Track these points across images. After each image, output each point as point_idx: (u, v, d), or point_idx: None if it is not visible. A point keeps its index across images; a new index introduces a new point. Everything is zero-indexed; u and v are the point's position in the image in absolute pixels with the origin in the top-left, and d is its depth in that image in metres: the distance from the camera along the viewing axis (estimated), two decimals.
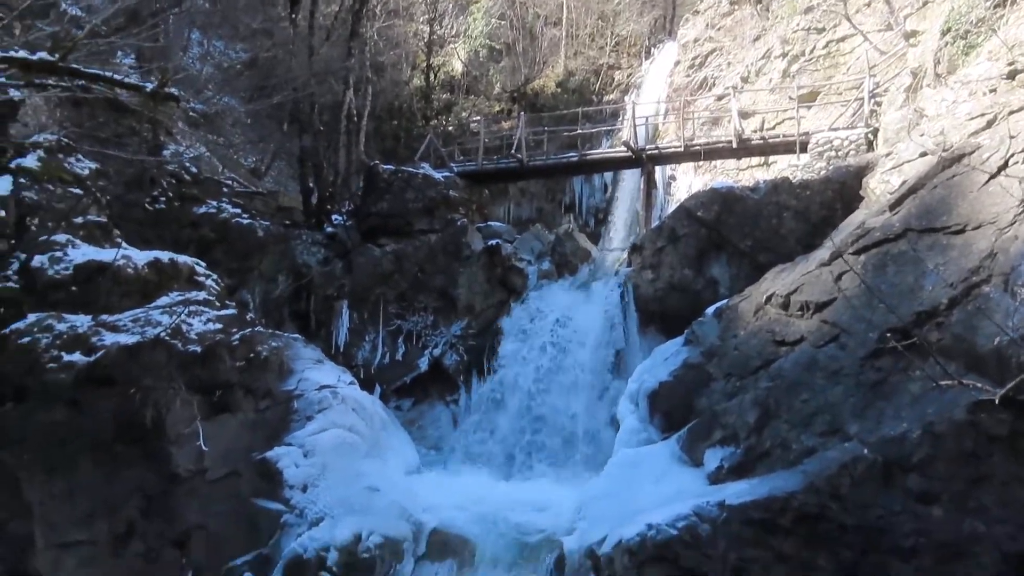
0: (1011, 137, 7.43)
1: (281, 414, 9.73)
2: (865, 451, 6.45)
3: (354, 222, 15.07)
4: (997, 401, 4.88)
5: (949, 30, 10.72)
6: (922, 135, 9.69)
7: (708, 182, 17.84)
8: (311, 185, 16.25)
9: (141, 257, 10.61)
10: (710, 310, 10.11)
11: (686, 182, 20.44)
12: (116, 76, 13.75)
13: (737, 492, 6.91)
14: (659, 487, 7.83)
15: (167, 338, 9.43)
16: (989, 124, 8.46)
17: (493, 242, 13.31)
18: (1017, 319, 6.16)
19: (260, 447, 9.32)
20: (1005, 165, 7.29)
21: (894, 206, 8.43)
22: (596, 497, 8.32)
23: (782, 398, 7.69)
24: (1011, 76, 8.61)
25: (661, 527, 6.79)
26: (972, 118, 8.71)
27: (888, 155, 10.42)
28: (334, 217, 15.86)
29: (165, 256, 10.88)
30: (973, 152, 7.87)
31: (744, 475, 7.41)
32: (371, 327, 13.10)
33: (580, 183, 23.30)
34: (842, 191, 10.70)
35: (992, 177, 7.30)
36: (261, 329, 10.75)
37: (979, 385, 3.98)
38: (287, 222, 15.86)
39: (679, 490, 7.54)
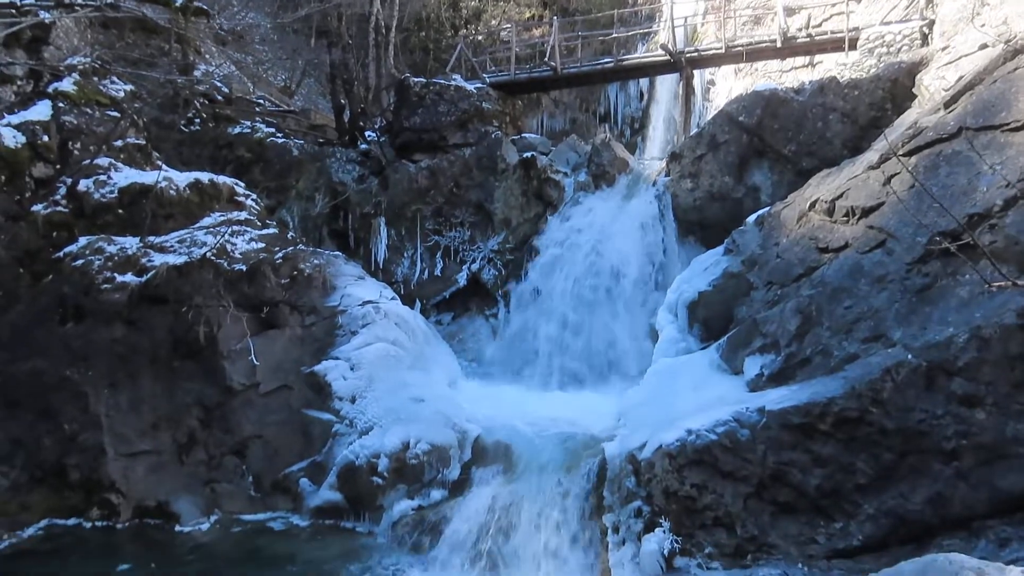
0: None
1: (327, 329, 10.00)
2: (909, 356, 6.41)
3: (387, 138, 14.94)
4: None
5: None
6: (983, 25, 9.09)
7: (749, 86, 17.14)
8: (343, 101, 16.07)
9: (182, 178, 10.75)
10: (751, 218, 9.93)
11: (725, 87, 19.65)
12: None
13: (777, 398, 6.96)
14: (698, 394, 7.93)
15: (213, 257, 9.66)
16: None
17: (528, 154, 13.09)
18: None
19: (308, 361, 9.63)
20: None
21: (949, 104, 8.03)
22: (636, 404, 8.48)
23: (824, 305, 7.62)
24: None
25: (701, 432, 6.92)
26: None
27: (944, 49, 9.83)
28: (367, 134, 15.74)
29: (205, 177, 11.01)
30: None
31: (784, 382, 7.45)
32: (409, 243, 13.19)
33: (615, 91, 22.57)
34: (893, 90, 10.19)
35: None
36: (303, 247, 10.92)
37: None
38: (321, 140, 15.82)
39: (719, 397, 7.63)
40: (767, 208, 9.87)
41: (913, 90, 9.89)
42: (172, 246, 9.91)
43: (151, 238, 9.95)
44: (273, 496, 8.85)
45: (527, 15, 25.04)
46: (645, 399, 8.50)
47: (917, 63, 10.22)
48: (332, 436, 8.92)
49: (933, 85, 9.18)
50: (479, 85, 14.66)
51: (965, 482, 6.02)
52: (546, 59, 15.54)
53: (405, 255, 13.18)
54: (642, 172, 12.80)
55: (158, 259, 9.57)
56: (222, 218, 10.61)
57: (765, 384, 7.61)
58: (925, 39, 11.54)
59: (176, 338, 9.29)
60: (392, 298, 10.99)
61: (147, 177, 10.53)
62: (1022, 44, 7.53)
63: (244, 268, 9.84)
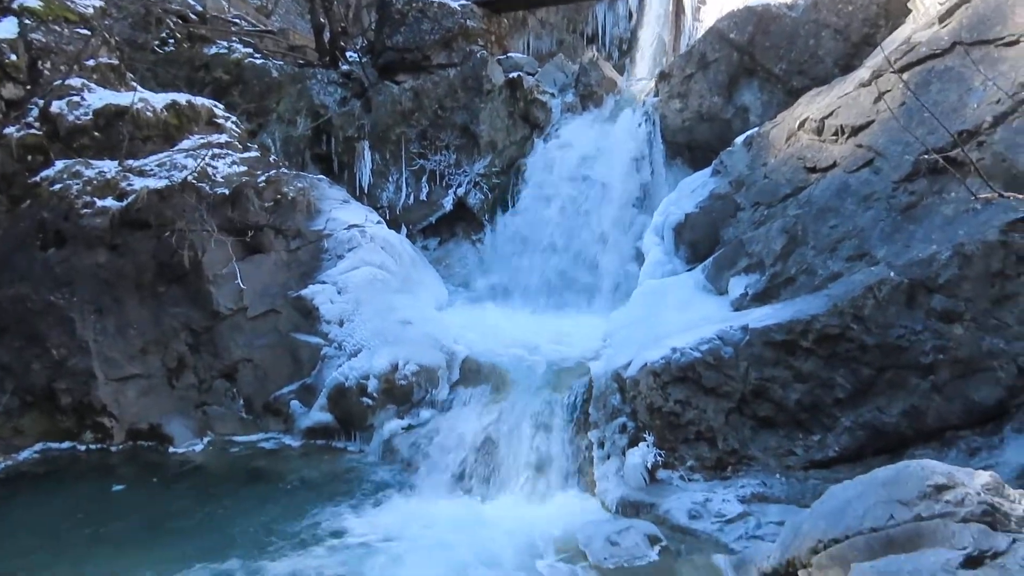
0: None
1: (312, 253, 9.93)
2: (892, 274, 6.47)
3: (369, 58, 14.47)
4: None
5: None
6: None
7: (740, 3, 16.62)
8: (322, 20, 15.47)
9: (158, 100, 10.42)
10: (739, 139, 9.80)
11: (717, 6, 19.06)
12: None
13: (760, 316, 7.05)
14: (683, 314, 8.01)
15: (194, 181, 9.47)
16: None
17: (514, 74, 12.75)
18: None
19: (295, 285, 9.61)
20: None
21: (944, 18, 7.82)
22: (622, 325, 8.57)
23: (810, 225, 7.62)
24: None
25: (685, 350, 7.03)
26: None
27: None
28: (348, 54, 15.23)
29: (183, 98, 10.68)
30: None
31: (768, 301, 7.53)
32: (393, 167, 12.97)
33: (603, 11, 21.82)
34: (888, 5, 9.89)
35: None
36: (286, 170, 10.72)
37: (1020, 196, 3.87)
38: (300, 61, 15.31)
39: (703, 316, 7.71)
40: (756, 128, 9.72)
41: (908, 5, 9.62)
42: (152, 170, 9.69)
43: (129, 161, 9.71)
44: (264, 418, 8.99)
45: None
46: (631, 320, 8.58)
47: None
48: (321, 359, 9.00)
49: None
50: (463, 2, 14.10)
51: (940, 395, 6.19)
52: None
53: (390, 179, 12.98)
54: (630, 92, 12.54)
55: (138, 183, 9.37)
56: (202, 141, 10.35)
57: (749, 303, 7.69)
58: None
59: (160, 263, 9.20)
60: (378, 222, 10.90)
61: (122, 98, 10.19)
62: None
63: (227, 192, 9.67)
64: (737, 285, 7.93)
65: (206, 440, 8.78)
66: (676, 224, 9.50)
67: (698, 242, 9.22)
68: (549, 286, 11.15)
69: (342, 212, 10.40)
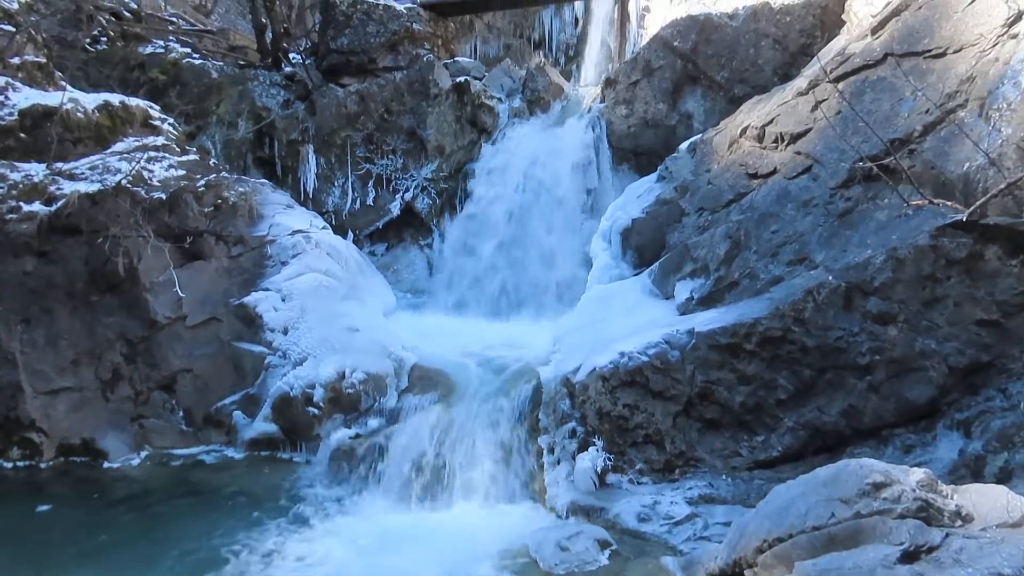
0: None
1: (255, 260, 9.70)
2: (829, 277, 6.67)
3: (313, 60, 14.26)
4: (964, 219, 4.98)
5: None
6: None
7: (684, 13, 16.98)
8: (264, 20, 15.16)
9: (90, 100, 10.03)
10: (684, 145, 10.00)
11: (661, 15, 19.43)
12: None
13: (705, 320, 7.18)
14: (631, 318, 8.10)
15: (129, 185, 9.14)
16: None
17: (462, 79, 12.74)
18: (989, 143, 6.17)
19: (237, 293, 9.36)
20: None
21: (876, 30, 8.15)
22: (570, 330, 8.61)
23: (752, 230, 7.81)
24: None
25: (633, 354, 7.10)
26: None
27: None
28: (292, 56, 14.97)
29: (116, 99, 10.30)
30: None
31: (713, 305, 7.68)
32: (339, 172, 12.79)
33: (550, 16, 22.02)
34: (824, 16, 10.27)
35: None
36: (226, 175, 10.44)
37: (948, 203, 4.04)
38: (242, 62, 14.97)
39: (650, 320, 7.81)
40: (700, 135, 9.94)
41: (843, 16, 9.98)
42: (83, 173, 9.32)
43: (59, 164, 9.31)
44: (205, 430, 8.71)
45: None
46: (579, 325, 8.64)
47: None
48: (265, 368, 8.78)
49: (862, 11, 9.28)
50: (409, 5, 14.03)
51: (876, 394, 6.40)
52: None
53: (335, 184, 12.79)
54: (577, 98, 12.67)
55: (68, 187, 8.99)
56: (137, 143, 10.00)
57: (695, 307, 7.83)
58: None
59: (93, 270, 8.84)
60: (323, 228, 10.71)
61: (50, 98, 9.76)
62: None
63: (164, 196, 9.36)
64: (683, 289, 8.07)
65: (143, 454, 8.47)
66: (623, 229, 9.61)
67: (645, 247, 9.36)
68: (498, 291, 11.15)
69: (286, 217, 10.18)
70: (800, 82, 8.76)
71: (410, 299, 11.71)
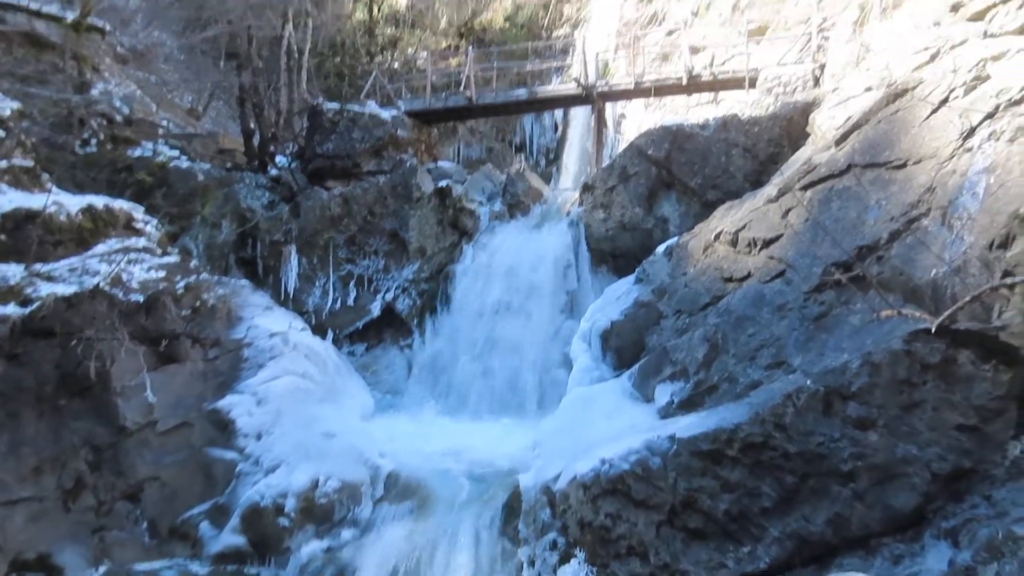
0: (953, 71, 7.55)
1: (231, 363, 9.58)
2: (808, 382, 6.69)
3: (299, 164, 14.65)
4: (933, 330, 5.08)
5: None
6: (867, 70, 9.78)
7: (658, 120, 17.82)
8: (252, 126, 15.67)
9: (74, 203, 10.13)
10: (660, 249, 10.23)
11: (636, 120, 20.37)
12: (32, 6, 12.86)
13: (686, 425, 7.11)
14: (612, 423, 8.02)
15: (107, 287, 9.11)
16: (933, 58, 8.57)
17: (443, 183, 13.10)
18: (953, 251, 6.37)
19: (211, 397, 9.19)
20: (946, 100, 7.43)
21: (839, 141, 8.55)
22: (550, 435, 8.49)
23: (730, 333, 7.88)
24: (954, 9, 8.71)
25: (614, 462, 6.98)
26: (916, 52, 8.80)
27: (834, 90, 10.51)
28: (278, 159, 15.39)
29: (100, 201, 10.42)
30: (916, 87, 7.99)
31: (693, 409, 7.64)
32: (321, 272, 12.88)
33: (530, 122, 23.05)
34: (789, 127, 10.79)
35: (934, 111, 7.43)
36: (207, 276, 10.46)
37: (916, 314, 4.12)
38: (229, 165, 15.33)
39: (631, 425, 7.74)
40: (675, 239, 10.19)
41: (807, 128, 10.50)
42: (61, 275, 9.29)
43: (37, 266, 9.29)
44: (170, 543, 8.32)
45: (443, 44, 25.28)
46: (560, 428, 8.53)
47: (810, 103, 10.88)
48: (236, 476, 8.51)
49: (825, 124, 9.77)
50: (394, 113, 14.60)
51: (861, 502, 6.29)
52: (462, 88, 15.69)
53: (317, 284, 12.85)
54: (556, 202, 13.02)
55: (45, 289, 8.94)
56: (118, 245, 10.04)
57: (675, 411, 7.78)
58: (817, 81, 12.32)
59: (64, 374, 8.66)
60: (302, 329, 10.67)
61: (35, 200, 9.85)
62: (901, 88, 8.13)
63: (142, 299, 9.33)
64: (663, 393, 8.04)
65: (102, 569, 8.02)
66: (603, 331, 9.67)
67: (624, 349, 9.39)
68: (478, 393, 11.04)
69: (265, 319, 10.15)
70: (770, 189, 9.09)
71: (389, 400, 11.55)
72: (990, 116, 6.82)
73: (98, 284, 9.06)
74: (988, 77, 7.30)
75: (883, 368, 6.42)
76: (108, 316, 8.85)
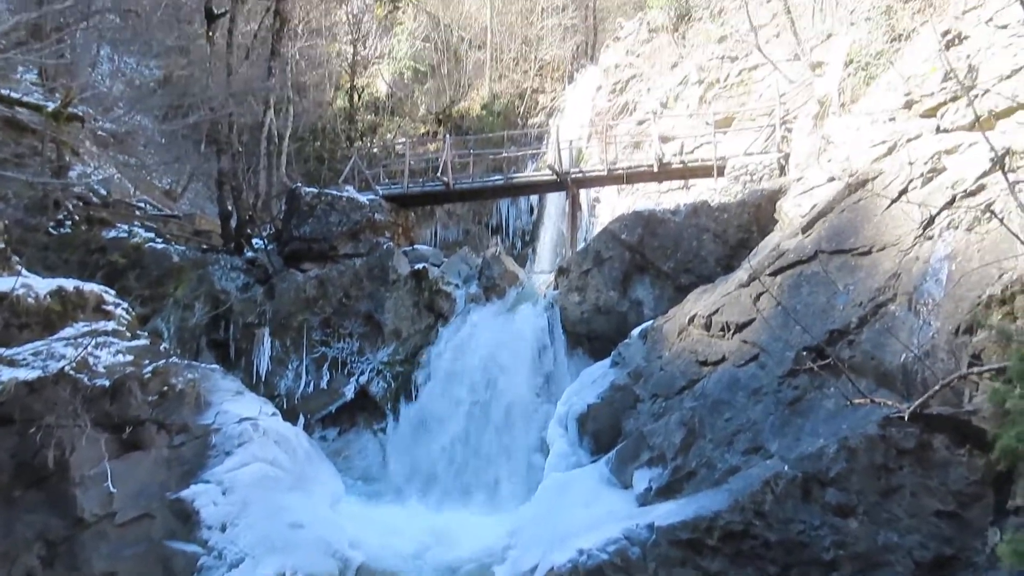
0: (910, 164, 7.90)
1: (198, 449, 9.29)
2: (785, 467, 6.65)
3: (276, 246, 14.67)
4: (906, 417, 5.11)
5: (851, 62, 11.37)
6: (829, 161, 10.19)
7: (631, 205, 18.24)
8: (230, 208, 15.76)
9: (43, 285, 9.98)
10: (635, 332, 10.29)
11: (610, 204, 20.85)
12: (13, 94, 13.04)
13: (665, 513, 6.99)
14: (589, 510, 7.85)
15: (72, 372, 8.88)
16: (890, 151, 8.98)
17: (420, 265, 13.19)
18: (921, 336, 6.50)
19: (175, 486, 8.85)
20: (905, 190, 7.74)
21: (806, 229, 8.81)
22: (527, 523, 8.28)
23: (706, 417, 7.86)
24: (908, 106, 9.18)
25: (592, 552, 6.80)
26: (874, 145, 9.22)
27: (799, 180, 10.91)
28: (255, 241, 15.41)
29: (70, 284, 10.27)
30: (876, 178, 8.32)
31: (672, 495, 7.52)
32: (294, 355, 12.72)
33: (507, 205, 23.47)
34: (758, 214, 11.11)
35: (893, 202, 7.73)
36: (176, 360, 10.26)
37: (888, 402, 4.15)
38: (204, 246, 15.32)
39: (609, 512, 7.58)
40: (650, 322, 10.27)
41: (775, 215, 10.81)
42: (25, 359, 9.04)
43: (0, 350, 9.05)
44: None
45: (422, 131, 25.97)
46: (536, 516, 8.33)
47: (777, 191, 11.26)
48: (197, 570, 8.10)
49: (792, 211, 10.10)
50: (372, 197, 14.81)
51: None
52: (439, 174, 16.01)
53: (289, 367, 12.66)
54: (531, 285, 13.13)
55: (6, 374, 8.67)
56: (86, 328, 9.84)
57: (654, 498, 7.65)
58: (782, 170, 12.79)
59: (20, 463, 8.31)
60: (273, 414, 10.43)
61: (2, 283, 9.70)
62: (862, 179, 8.46)
63: (108, 383, 9.08)
64: (641, 479, 7.92)
65: None
66: (579, 415, 9.59)
67: (601, 433, 9.30)
68: (453, 479, 10.79)
69: (234, 404, 9.92)
70: (741, 274, 9.27)
71: (361, 487, 11.21)
72: (948, 206, 7.09)
73: (63, 368, 8.83)
74: (944, 169, 7.64)
75: (860, 453, 6.41)
76: (71, 402, 8.59)
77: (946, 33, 9.03)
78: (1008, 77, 7.56)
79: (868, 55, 10.94)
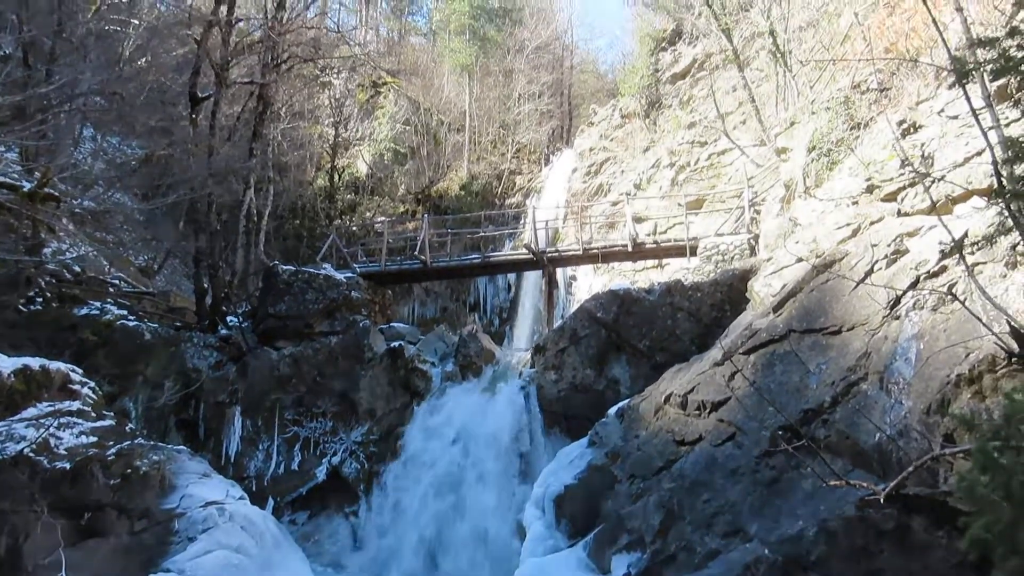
0: (873, 246, 8.11)
1: (160, 536, 8.86)
2: (766, 551, 6.50)
3: (250, 324, 14.52)
4: (882, 499, 5.06)
5: (814, 148, 11.83)
6: (797, 242, 10.46)
7: (607, 283, 18.49)
8: (206, 285, 15.64)
9: (8, 364, 9.72)
10: (612, 411, 10.21)
11: (586, 282, 21.13)
12: None
13: None
14: None
15: (31, 454, 8.55)
16: (854, 233, 9.24)
17: (396, 344, 13.11)
18: (893, 416, 6.51)
19: (134, 575, 8.39)
20: (871, 271, 7.91)
21: (777, 308, 8.93)
22: None
23: (685, 499, 7.72)
24: (869, 190, 9.52)
25: None
26: (839, 227, 9.50)
27: (769, 260, 11.15)
28: (229, 319, 15.23)
29: (36, 363, 10.01)
30: (842, 259, 8.53)
31: None
32: (265, 435, 12.40)
33: (484, 283, 23.66)
34: (730, 293, 11.28)
35: (859, 282, 7.88)
36: (142, 441, 9.93)
37: (863, 484, 4.11)
38: (178, 324, 15.10)
39: None
40: (627, 401, 10.21)
41: (747, 294, 10.98)
42: None
43: None
44: None
45: (401, 210, 26.33)
46: None
47: (748, 270, 11.48)
48: None
49: (763, 291, 10.27)
50: (349, 275, 14.84)
51: None
52: (417, 252, 16.14)
53: (260, 447, 12.32)
54: (508, 363, 13.08)
55: None
56: (50, 408, 9.54)
57: None
58: (753, 250, 13.10)
59: None
60: (240, 497, 10.04)
61: None
62: (829, 260, 8.67)
63: (68, 466, 8.74)
64: (619, 564, 7.68)
65: None
66: (556, 496, 9.37)
67: (578, 515, 9.06)
68: (428, 565, 10.38)
69: (200, 487, 9.55)
70: (715, 353, 9.31)
71: (331, 574, 10.74)
72: (913, 287, 7.25)
73: (22, 451, 8.51)
74: (906, 251, 7.86)
75: (839, 536, 6.30)
76: (28, 486, 8.24)
77: (901, 123, 9.48)
78: (961, 164, 7.89)
79: (829, 142, 11.40)
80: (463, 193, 26.78)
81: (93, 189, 16.97)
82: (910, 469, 4.99)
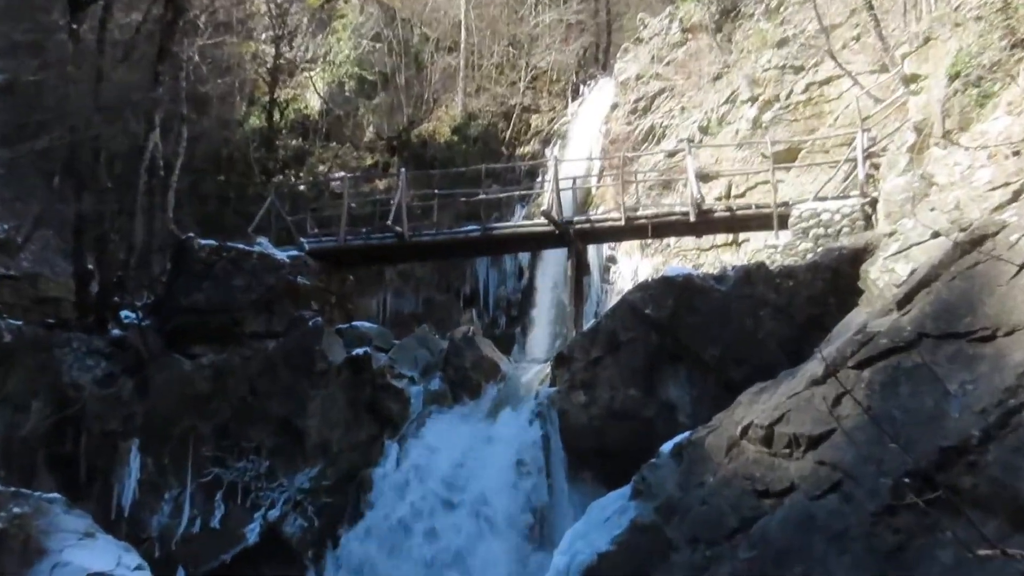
0: None
1: None
2: None
3: (154, 321, 14.58)
4: None
5: (958, 75, 11.70)
6: (932, 209, 10.36)
7: (659, 267, 18.44)
8: (90, 266, 15.70)
9: None
10: (666, 447, 10.18)
11: (630, 265, 21.06)
12: None
13: None
14: None
15: None
16: (1016, 196, 9.14)
17: (360, 351, 13.12)
18: None
19: None
20: None
21: (903, 303, 8.85)
22: None
23: (770, 574, 7.69)
24: None
25: None
26: (994, 188, 9.39)
27: (891, 235, 11.06)
28: (124, 314, 15.30)
29: None
30: (998, 233, 8.43)
31: None
32: (174, 479, 12.50)
33: (485, 266, 23.65)
34: (835, 281, 11.21)
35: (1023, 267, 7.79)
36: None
37: None
38: (50, 320, 15.17)
39: None
40: (687, 433, 10.18)
41: (859, 283, 10.90)
42: None
43: None
44: None
45: (368, 162, 26.34)
46: None
47: (861, 249, 11.39)
48: None
49: (882, 279, 10.20)
50: (294, 253, 14.86)
51: None
52: (391, 221, 16.12)
53: (167, 496, 12.43)
54: (519, 379, 13.07)
55: None
56: None
57: None
58: (869, 220, 12.99)
59: None
60: (138, 567, 10.16)
61: None
62: (978, 235, 8.56)
63: None
64: None
65: None
66: (586, 568, 9.38)
67: None
68: None
69: (80, 552, 9.66)
70: (814, 367, 9.25)
71: None
72: None
73: None
74: None
75: None
76: None
77: None
78: None
79: (981, 66, 11.27)
80: (456, 139, 26.76)
81: None
82: None
